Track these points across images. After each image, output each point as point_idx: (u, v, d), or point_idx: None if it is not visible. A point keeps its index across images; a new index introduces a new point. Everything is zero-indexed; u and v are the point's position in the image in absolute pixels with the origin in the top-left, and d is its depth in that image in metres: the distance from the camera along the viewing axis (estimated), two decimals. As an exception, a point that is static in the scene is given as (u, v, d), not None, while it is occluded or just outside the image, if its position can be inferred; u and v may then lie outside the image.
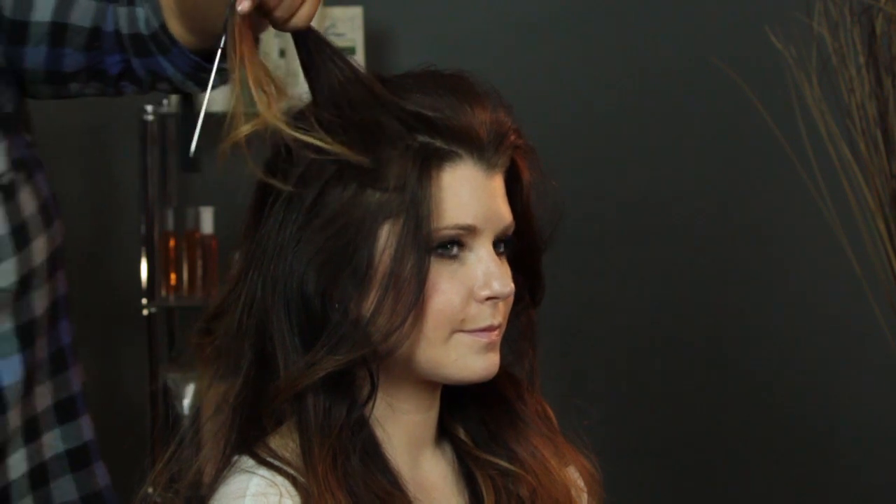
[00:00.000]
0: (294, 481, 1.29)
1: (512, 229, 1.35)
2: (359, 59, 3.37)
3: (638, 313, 3.62)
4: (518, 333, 1.40)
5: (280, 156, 1.33)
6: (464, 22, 3.60)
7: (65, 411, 1.66)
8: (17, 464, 1.62)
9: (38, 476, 1.63)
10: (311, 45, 1.34)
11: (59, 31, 1.55)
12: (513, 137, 1.34)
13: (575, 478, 1.44)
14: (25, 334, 1.60)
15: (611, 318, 3.62)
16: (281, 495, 1.27)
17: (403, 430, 1.35)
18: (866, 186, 2.76)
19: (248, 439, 1.32)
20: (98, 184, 3.56)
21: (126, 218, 3.48)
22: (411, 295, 1.28)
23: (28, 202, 1.59)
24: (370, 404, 1.32)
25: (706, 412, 3.62)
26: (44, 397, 1.64)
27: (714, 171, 3.60)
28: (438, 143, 1.31)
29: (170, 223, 3.39)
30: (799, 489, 3.61)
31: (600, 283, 3.61)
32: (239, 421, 1.33)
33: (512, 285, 1.33)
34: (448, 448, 1.41)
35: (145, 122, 3.35)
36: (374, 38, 3.53)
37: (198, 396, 1.44)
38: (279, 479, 1.29)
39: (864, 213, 2.78)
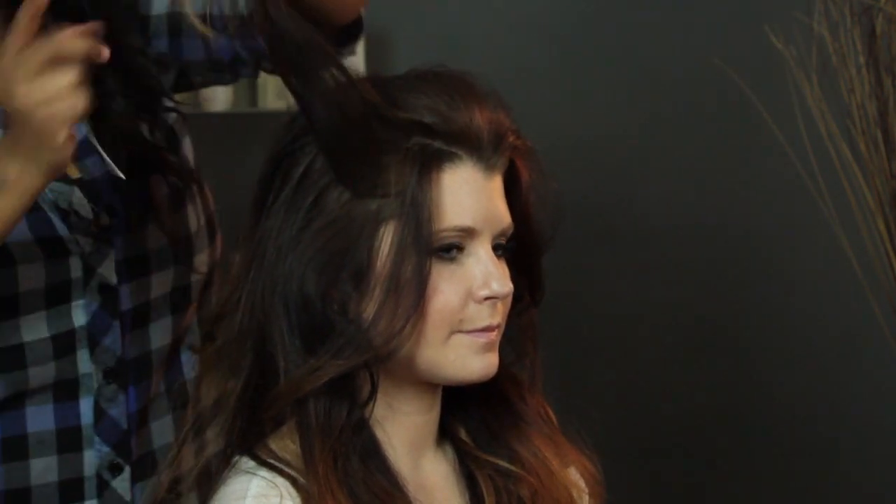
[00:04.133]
0: (294, 482, 1.29)
1: (511, 231, 1.35)
2: (359, 59, 3.37)
3: (638, 314, 3.62)
4: (519, 333, 1.40)
5: (281, 156, 1.33)
6: (464, 22, 3.59)
7: None
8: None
9: None
10: (300, 50, 1.29)
11: (175, 20, 1.52)
12: (511, 138, 1.34)
13: (576, 479, 1.43)
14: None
15: (610, 319, 3.61)
16: (282, 496, 1.27)
17: (404, 431, 1.35)
18: (866, 186, 2.76)
19: (248, 440, 1.32)
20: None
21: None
22: (412, 297, 1.28)
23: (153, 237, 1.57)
24: (370, 405, 1.32)
25: (706, 412, 3.62)
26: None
27: (713, 171, 3.59)
28: (438, 144, 1.30)
29: (170, 223, 3.37)
30: (799, 489, 3.61)
31: (600, 283, 3.61)
32: (240, 422, 1.33)
33: (510, 285, 1.33)
34: (449, 449, 1.41)
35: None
36: (374, 38, 3.53)
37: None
38: (280, 480, 1.29)
39: (864, 213, 2.78)
